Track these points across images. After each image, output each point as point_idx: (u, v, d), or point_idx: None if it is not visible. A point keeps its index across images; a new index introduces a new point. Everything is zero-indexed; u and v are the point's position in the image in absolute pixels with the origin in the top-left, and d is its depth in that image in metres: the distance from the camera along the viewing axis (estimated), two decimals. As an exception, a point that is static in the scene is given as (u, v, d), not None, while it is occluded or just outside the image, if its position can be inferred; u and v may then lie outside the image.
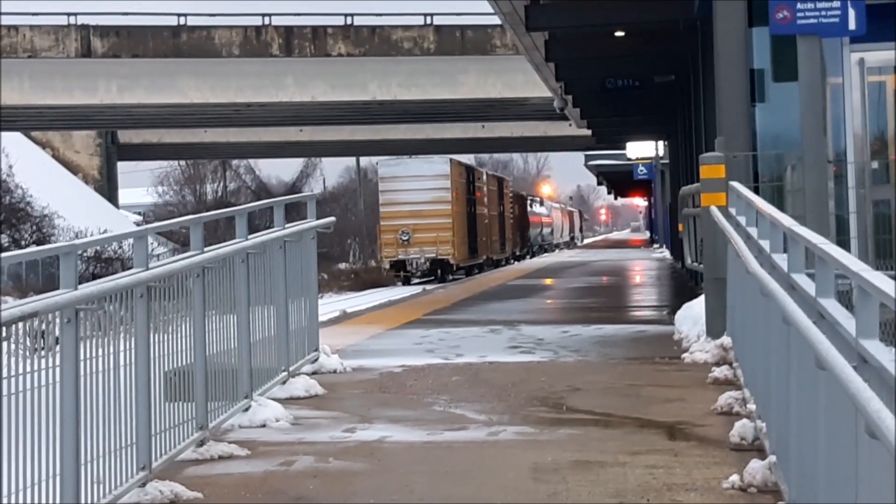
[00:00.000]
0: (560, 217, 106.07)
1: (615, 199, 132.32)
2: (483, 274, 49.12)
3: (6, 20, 51.06)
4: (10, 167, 58.83)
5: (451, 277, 49.99)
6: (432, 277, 51.69)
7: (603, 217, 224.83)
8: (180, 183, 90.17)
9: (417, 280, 51.88)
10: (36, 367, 6.80)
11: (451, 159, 53.80)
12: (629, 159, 60.28)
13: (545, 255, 77.37)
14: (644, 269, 42.06)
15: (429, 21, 52.92)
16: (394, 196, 51.23)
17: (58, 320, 6.99)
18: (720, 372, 12.05)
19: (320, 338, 13.86)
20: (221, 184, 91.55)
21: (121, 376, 7.83)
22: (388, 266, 52.51)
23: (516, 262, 64.52)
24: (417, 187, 50.82)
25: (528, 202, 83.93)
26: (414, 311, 23.28)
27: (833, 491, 5.34)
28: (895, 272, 13.55)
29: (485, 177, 62.76)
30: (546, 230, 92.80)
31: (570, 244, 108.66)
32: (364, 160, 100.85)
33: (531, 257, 74.54)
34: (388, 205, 51.47)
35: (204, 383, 9.44)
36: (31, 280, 49.43)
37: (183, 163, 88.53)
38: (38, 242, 54.42)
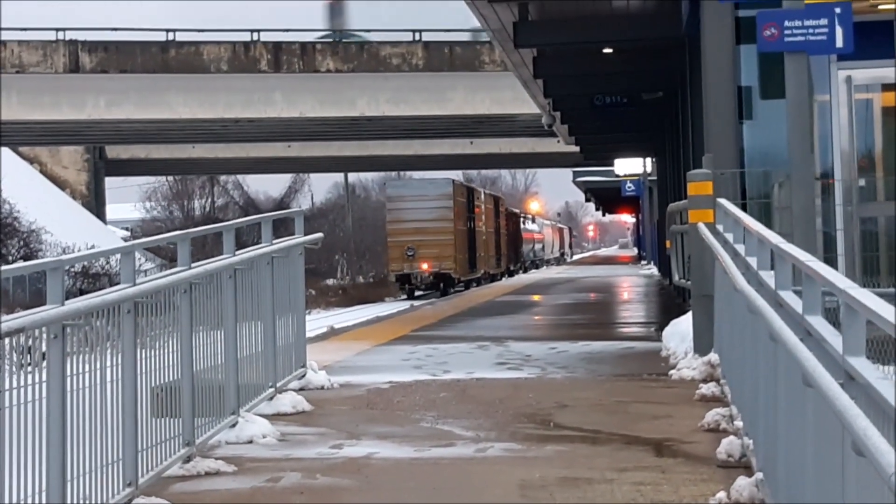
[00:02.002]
0: (551, 234, 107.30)
1: (603, 215, 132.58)
2: (474, 289, 49.82)
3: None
4: (-2, 182, 58.76)
5: (452, 290, 52.36)
6: (430, 290, 54.48)
7: (591, 233, 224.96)
8: (168, 198, 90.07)
9: (421, 293, 54.69)
10: (22, 383, 6.78)
11: (453, 181, 57.33)
12: (617, 176, 60.38)
13: (534, 271, 77.56)
14: (632, 285, 42.08)
15: (417, 37, 52.98)
16: (400, 214, 54.56)
17: (44, 336, 6.98)
18: (707, 389, 12.05)
19: (308, 354, 13.84)
20: (209, 199, 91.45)
21: (107, 392, 7.81)
22: (394, 279, 56.24)
23: (509, 278, 65.22)
24: (422, 206, 54.26)
25: (522, 220, 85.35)
26: (402, 327, 23.27)
27: (820, 508, 5.34)
28: (882, 289, 13.57)
29: (483, 196, 65.60)
30: (538, 246, 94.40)
31: (560, 260, 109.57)
32: (353, 176, 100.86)
33: (524, 272, 75.28)
34: (394, 222, 54.79)
35: (191, 399, 9.43)
36: (17, 295, 49.32)
37: (171, 178, 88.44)
38: (26, 258, 54.34)
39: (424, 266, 53.95)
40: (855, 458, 4.18)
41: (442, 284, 54.03)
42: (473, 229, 60.12)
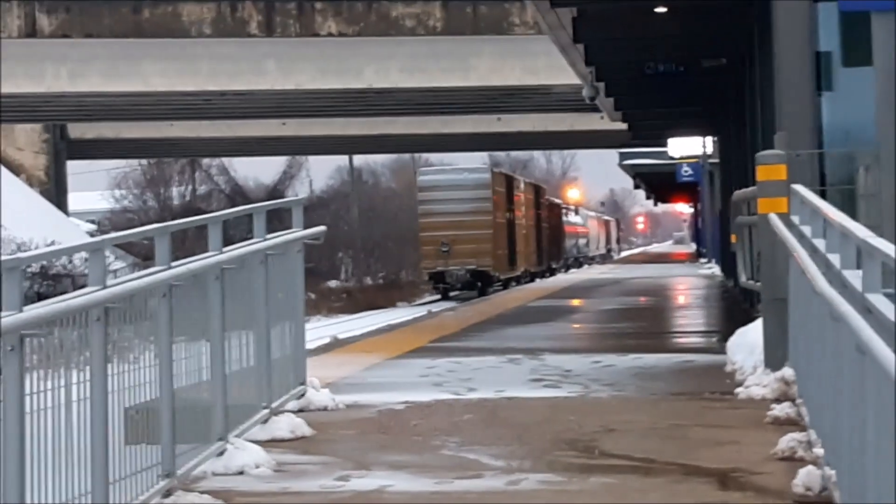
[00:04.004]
0: (596, 227, 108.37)
1: (655, 205, 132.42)
2: (509, 291, 50.71)
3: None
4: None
5: (490, 290, 55.12)
6: (465, 290, 57.61)
7: (640, 226, 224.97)
8: (141, 185, 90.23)
9: (455, 293, 57.92)
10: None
11: (491, 169, 61.33)
12: (672, 158, 60.28)
13: (574, 271, 77.89)
14: (689, 287, 42.09)
15: (435, -6, 52.96)
16: (433, 206, 57.38)
17: (-1, 348, 7.00)
18: (781, 410, 12.05)
19: (308, 369, 13.87)
20: (190, 186, 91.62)
21: (73, 414, 7.84)
22: (427, 278, 59.58)
23: (548, 278, 66.37)
24: (457, 197, 56.98)
25: (564, 211, 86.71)
26: (418, 337, 23.30)
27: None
28: None
29: (522, 185, 68.63)
30: (582, 241, 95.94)
31: (606, 257, 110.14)
32: (359, 159, 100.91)
33: (566, 271, 76.18)
34: (427, 215, 57.67)
35: (171, 422, 9.45)
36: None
37: (144, 162, 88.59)
38: (-26, 256, 54.41)
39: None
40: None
41: (479, 283, 56.50)
42: (513, 223, 62.66)
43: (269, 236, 12.74)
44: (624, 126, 46.74)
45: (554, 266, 77.97)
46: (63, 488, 7.62)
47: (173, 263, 9.89)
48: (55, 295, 10.07)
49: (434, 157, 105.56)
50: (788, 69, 14.67)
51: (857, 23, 13.65)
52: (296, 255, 13.48)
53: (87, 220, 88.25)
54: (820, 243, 9.75)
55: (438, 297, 58.72)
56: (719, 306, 31.12)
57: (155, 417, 9.31)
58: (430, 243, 57.13)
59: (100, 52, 51.57)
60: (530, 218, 68.97)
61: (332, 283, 75.38)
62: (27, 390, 7.19)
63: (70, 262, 53.52)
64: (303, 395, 13.44)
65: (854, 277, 7.58)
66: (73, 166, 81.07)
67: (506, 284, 59.07)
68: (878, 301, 6.73)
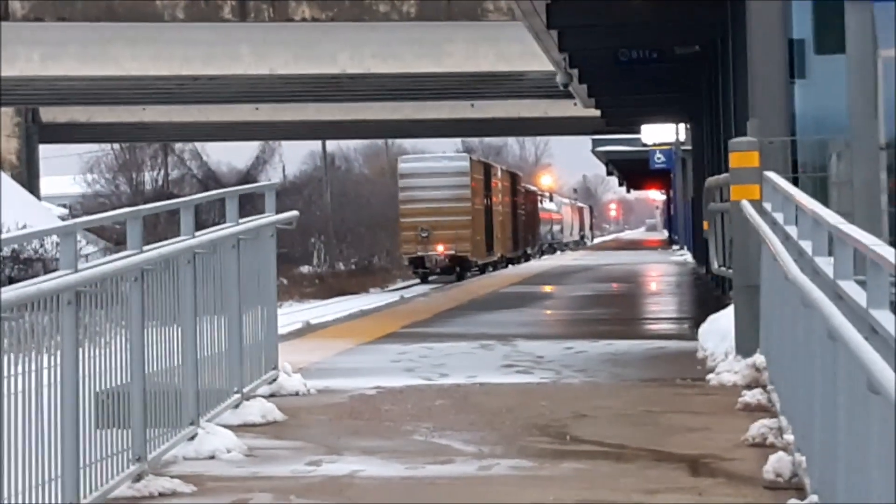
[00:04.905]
0: (570, 214, 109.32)
1: (627, 192, 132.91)
2: (480, 277, 50.71)
3: None
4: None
5: (469, 275, 56.70)
6: (437, 274, 59.84)
7: (613, 213, 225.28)
8: (113, 170, 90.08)
9: (435, 277, 59.75)
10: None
11: (470, 156, 63.63)
12: (645, 145, 60.48)
13: (547, 257, 78.03)
14: (662, 274, 42.18)
15: (409, -20, 52.90)
16: (413, 193, 59.41)
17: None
18: (752, 396, 12.08)
19: (280, 354, 13.86)
20: (162, 171, 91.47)
21: (44, 398, 7.81)
22: (406, 263, 61.85)
23: (521, 263, 66.84)
24: (437, 184, 59.10)
25: (539, 198, 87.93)
26: (390, 322, 23.31)
27: (887, 537, 5.35)
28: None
29: (499, 173, 70.80)
30: (556, 228, 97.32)
31: (580, 244, 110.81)
32: (332, 145, 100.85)
33: (540, 257, 76.85)
34: (407, 202, 59.68)
35: (142, 407, 9.43)
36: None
37: (117, 146, 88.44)
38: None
39: (440, 248, 58.55)
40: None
41: (458, 268, 58.30)
42: (491, 209, 64.62)
43: (241, 221, 12.72)
44: (597, 113, 46.74)
45: (529, 252, 79.27)
46: (33, 472, 7.59)
47: (145, 248, 9.87)
48: (26, 279, 10.04)
49: (407, 143, 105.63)
50: (761, 56, 14.67)
51: (829, 10, 13.67)
52: (268, 240, 13.46)
53: (59, 205, 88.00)
54: (792, 230, 9.77)
55: (414, 282, 60.10)
56: (691, 293, 31.21)
57: (126, 402, 9.29)
58: (409, 229, 58.74)
59: (72, 36, 51.36)
60: (507, 205, 70.57)
61: (305, 269, 75.37)
62: (-2, 374, 7.16)
63: (42, 245, 53.39)
64: (274, 380, 13.43)
65: (826, 264, 7.60)
66: (45, 150, 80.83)
67: (483, 269, 60.27)
68: (850, 288, 6.74)
